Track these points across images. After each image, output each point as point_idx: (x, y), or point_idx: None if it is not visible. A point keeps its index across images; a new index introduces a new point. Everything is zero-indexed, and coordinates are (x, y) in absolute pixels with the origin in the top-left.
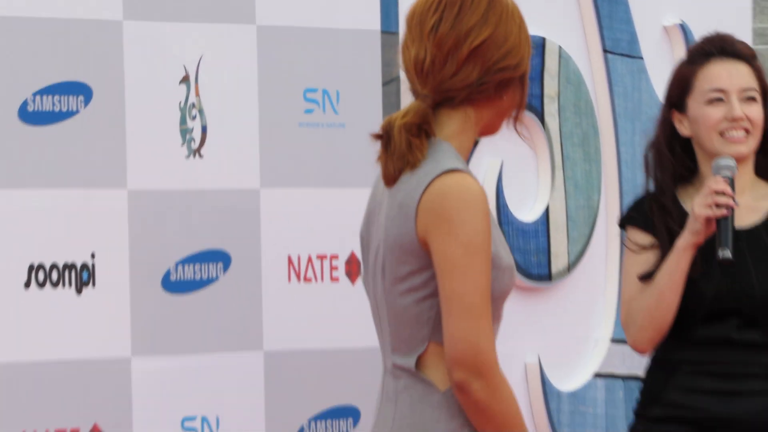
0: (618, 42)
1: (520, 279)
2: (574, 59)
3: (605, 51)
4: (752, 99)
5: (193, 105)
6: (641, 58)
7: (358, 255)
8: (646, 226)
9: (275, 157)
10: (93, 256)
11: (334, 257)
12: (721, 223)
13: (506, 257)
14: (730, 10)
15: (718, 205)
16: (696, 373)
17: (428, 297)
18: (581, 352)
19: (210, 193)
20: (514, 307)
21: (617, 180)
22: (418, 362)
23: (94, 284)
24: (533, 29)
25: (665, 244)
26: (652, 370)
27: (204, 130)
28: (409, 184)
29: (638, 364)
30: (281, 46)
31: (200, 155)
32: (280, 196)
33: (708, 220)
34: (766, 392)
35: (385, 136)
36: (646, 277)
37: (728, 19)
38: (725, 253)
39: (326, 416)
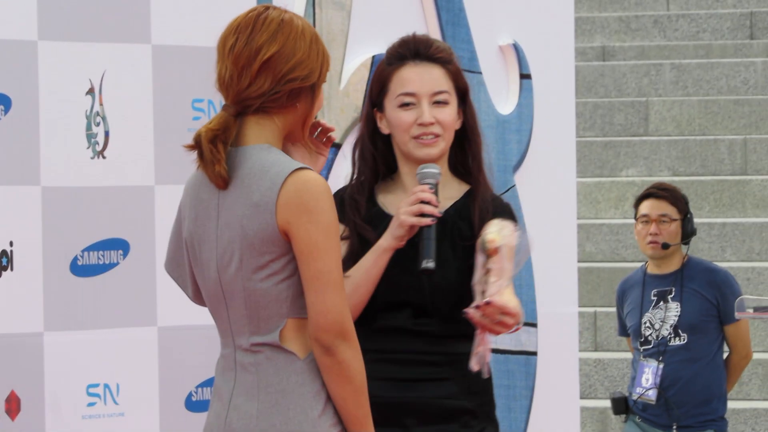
0: (460, 59)
1: None
2: None
3: None
4: (443, 103)
5: (98, 113)
6: (480, 72)
7: None
8: (340, 219)
9: (168, 158)
10: (11, 243)
11: None
12: (425, 232)
13: None
14: (554, 31)
15: (423, 214)
16: (378, 361)
17: (286, 279)
18: None
19: (112, 189)
20: None
21: None
22: (280, 336)
23: (12, 268)
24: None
25: (353, 237)
26: None
27: (107, 134)
28: (262, 184)
29: (526, 342)
30: (172, 62)
31: (104, 156)
32: (172, 191)
33: (412, 227)
34: (446, 379)
35: (197, 147)
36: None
37: (553, 39)
38: (428, 264)
39: (211, 383)
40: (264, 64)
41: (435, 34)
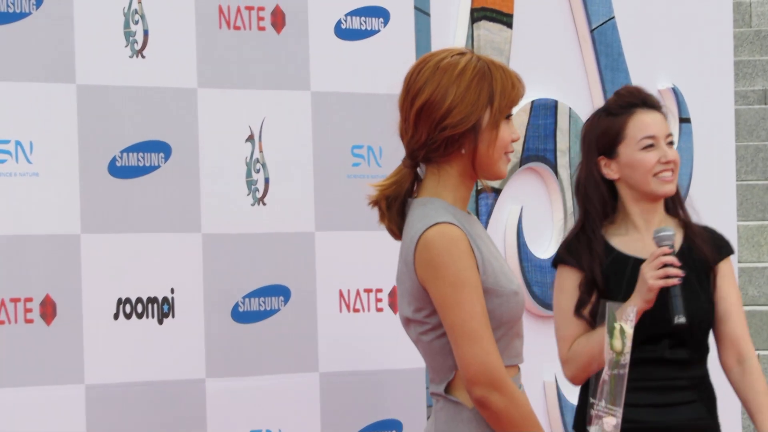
0: None
1: (538, 308)
2: (582, 118)
3: None
4: (672, 143)
5: (257, 160)
6: None
7: None
8: (576, 265)
9: (327, 205)
10: (172, 291)
11: (378, 291)
12: (673, 291)
13: (507, 285)
14: (713, 75)
15: (668, 276)
16: (632, 390)
17: (446, 334)
18: None
19: (272, 236)
20: (533, 332)
21: None
22: (449, 386)
23: (173, 315)
24: (548, 94)
25: (589, 281)
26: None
27: (267, 181)
28: (407, 242)
29: None
30: (332, 108)
31: (263, 203)
32: (332, 237)
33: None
34: (694, 401)
35: (375, 204)
36: (579, 309)
37: (712, 83)
38: (680, 320)
39: (373, 428)
40: (417, 114)
41: (594, 78)
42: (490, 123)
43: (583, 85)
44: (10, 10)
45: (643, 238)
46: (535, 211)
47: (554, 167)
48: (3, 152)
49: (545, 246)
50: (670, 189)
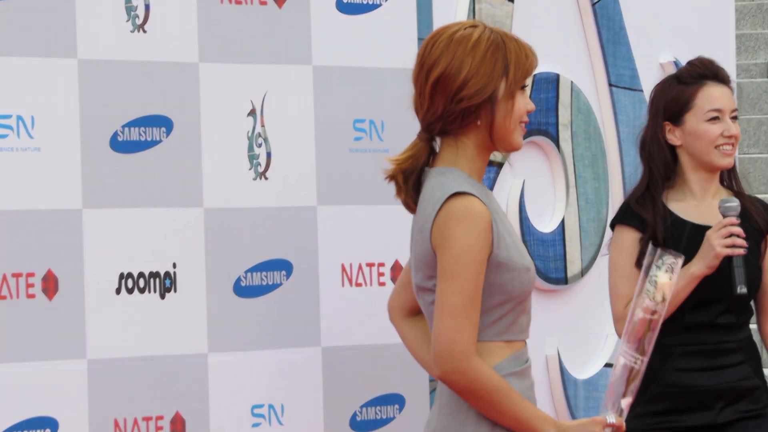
0: (621, 77)
1: (540, 282)
2: (584, 92)
3: (610, 85)
4: (736, 118)
5: (259, 134)
6: (641, 90)
7: (402, 263)
8: (635, 225)
9: (329, 179)
10: (174, 265)
11: (381, 264)
12: (735, 260)
13: (519, 260)
14: (716, 47)
15: (734, 245)
16: (686, 354)
17: None
18: (594, 345)
19: (274, 210)
20: (535, 306)
21: (622, 196)
22: None
23: (175, 290)
24: (550, 67)
25: (652, 237)
26: None
27: (269, 155)
28: (425, 210)
29: None
30: (333, 83)
31: (265, 177)
32: (334, 212)
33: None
34: (741, 362)
35: (392, 179)
36: (639, 261)
37: (713, 56)
38: (742, 290)
39: (375, 403)
40: (433, 86)
41: (596, 52)
42: (506, 93)
43: (585, 59)
44: None
45: (700, 205)
46: (538, 185)
47: (556, 141)
48: (4, 127)
49: (547, 220)
50: (728, 162)
